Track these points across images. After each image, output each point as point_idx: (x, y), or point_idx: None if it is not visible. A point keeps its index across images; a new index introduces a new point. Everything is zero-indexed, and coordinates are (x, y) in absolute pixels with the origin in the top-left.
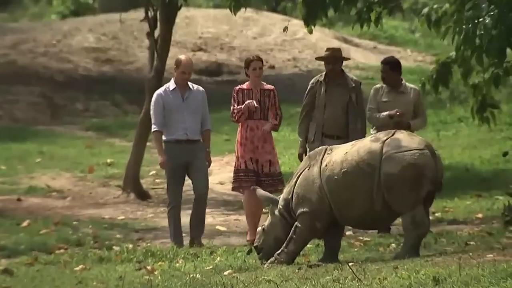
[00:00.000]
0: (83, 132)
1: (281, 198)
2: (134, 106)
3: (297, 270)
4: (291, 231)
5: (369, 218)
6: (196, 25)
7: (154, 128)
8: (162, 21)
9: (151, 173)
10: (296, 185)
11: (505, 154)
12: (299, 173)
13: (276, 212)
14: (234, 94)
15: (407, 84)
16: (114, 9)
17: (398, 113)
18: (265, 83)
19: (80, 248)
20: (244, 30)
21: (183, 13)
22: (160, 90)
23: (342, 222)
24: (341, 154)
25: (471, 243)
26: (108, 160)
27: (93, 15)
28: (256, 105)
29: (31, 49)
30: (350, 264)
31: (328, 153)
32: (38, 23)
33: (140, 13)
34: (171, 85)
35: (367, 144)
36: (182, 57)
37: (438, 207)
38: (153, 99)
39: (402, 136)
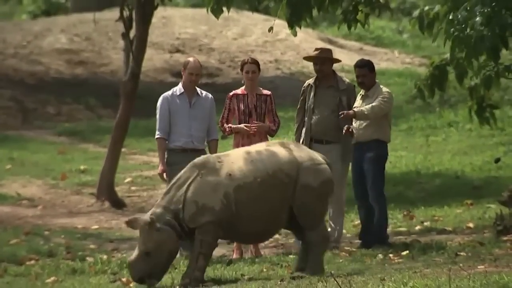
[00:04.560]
0: (55, 137)
1: (159, 210)
2: (108, 110)
3: (279, 282)
4: (196, 245)
5: (272, 230)
6: (173, 26)
7: (158, 134)
8: (138, 21)
9: (126, 181)
10: (191, 194)
11: (497, 160)
12: (187, 182)
13: (163, 226)
14: (228, 101)
15: (381, 86)
16: (87, 9)
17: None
18: (261, 88)
19: (52, 259)
20: (224, 30)
21: (159, 13)
22: (167, 94)
23: (235, 236)
24: (245, 161)
25: (462, 253)
26: (82, 167)
27: (66, 15)
28: (251, 131)
29: (0, 50)
30: (335, 276)
31: (219, 161)
32: (7, 23)
33: (114, 13)
34: (179, 89)
35: (277, 150)
36: (190, 58)
37: (427, 216)
38: (159, 102)
39: (304, 147)
